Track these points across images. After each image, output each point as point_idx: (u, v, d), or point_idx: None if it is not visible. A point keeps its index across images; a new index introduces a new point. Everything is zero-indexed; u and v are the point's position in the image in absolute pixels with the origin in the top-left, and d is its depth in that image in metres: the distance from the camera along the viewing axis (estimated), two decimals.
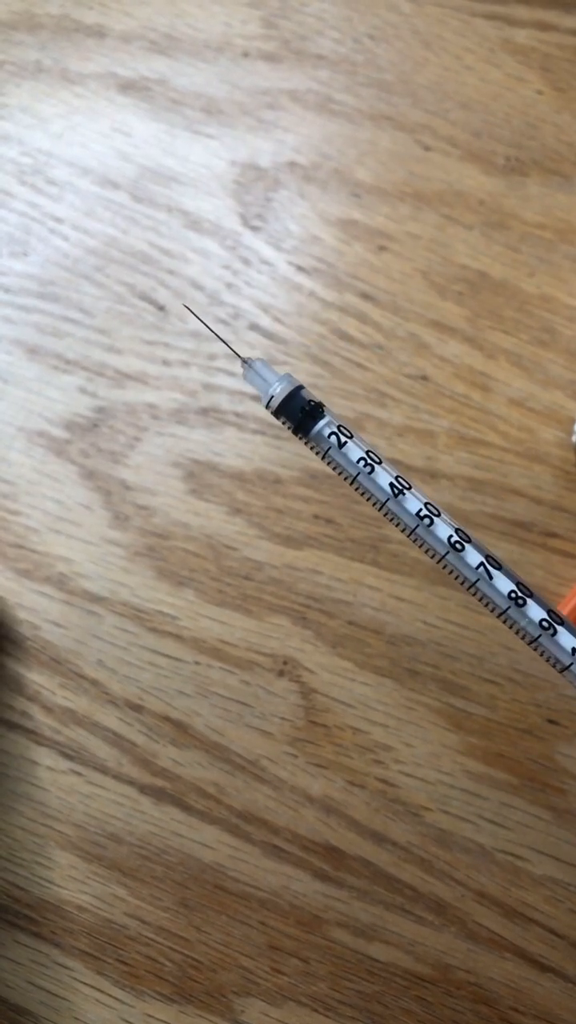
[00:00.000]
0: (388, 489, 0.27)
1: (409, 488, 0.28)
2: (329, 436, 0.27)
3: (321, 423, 0.27)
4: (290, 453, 0.38)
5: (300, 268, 0.40)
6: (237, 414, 0.39)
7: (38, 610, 0.37)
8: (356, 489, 0.27)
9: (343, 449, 0.27)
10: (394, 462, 0.38)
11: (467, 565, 0.27)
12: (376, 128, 0.42)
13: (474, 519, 0.37)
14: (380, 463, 0.27)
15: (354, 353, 0.39)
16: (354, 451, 0.27)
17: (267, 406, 0.27)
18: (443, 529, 0.28)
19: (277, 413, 0.27)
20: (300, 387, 0.27)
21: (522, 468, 0.37)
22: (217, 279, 0.41)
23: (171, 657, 0.36)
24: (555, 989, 0.33)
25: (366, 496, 0.27)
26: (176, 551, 0.37)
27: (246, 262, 0.41)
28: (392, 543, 0.37)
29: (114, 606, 0.37)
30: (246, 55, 0.43)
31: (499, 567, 0.26)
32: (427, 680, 0.35)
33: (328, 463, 0.27)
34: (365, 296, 0.40)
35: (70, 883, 0.35)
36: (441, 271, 0.40)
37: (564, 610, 0.35)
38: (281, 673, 0.36)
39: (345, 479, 0.27)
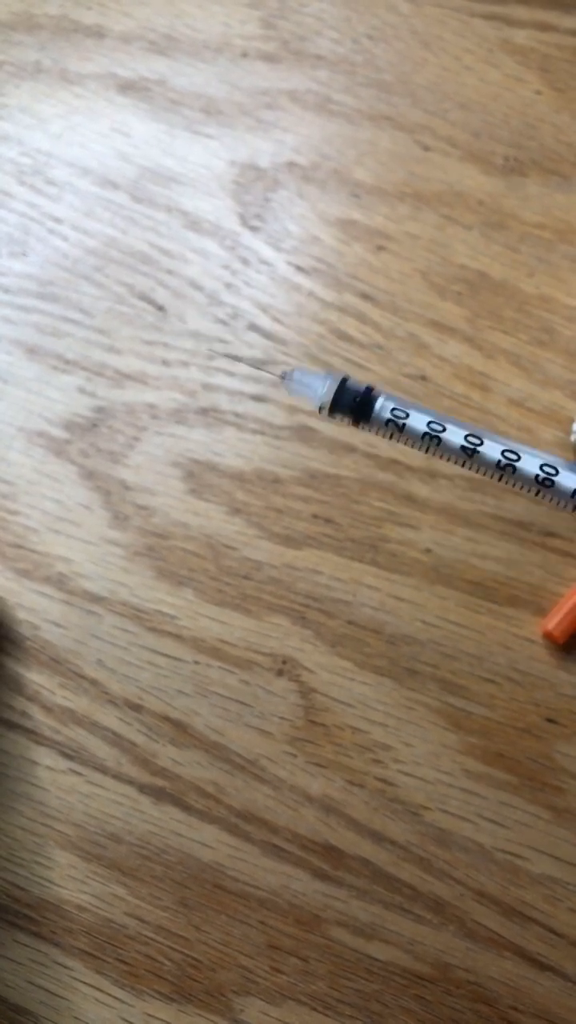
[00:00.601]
0: (461, 451, 0.28)
1: (481, 443, 0.28)
2: (388, 423, 0.28)
3: (376, 408, 0.27)
4: (290, 453, 0.38)
5: (299, 268, 0.41)
6: (236, 414, 0.39)
7: (38, 610, 0.37)
8: (434, 454, 0.28)
9: (404, 431, 0.28)
10: (393, 462, 0.38)
11: (563, 492, 0.27)
12: (375, 128, 0.42)
13: (474, 519, 0.37)
14: (444, 430, 0.28)
15: (353, 353, 0.39)
16: (417, 427, 0.28)
17: (320, 411, 0.28)
18: (531, 464, 0.28)
19: (332, 414, 0.28)
20: (344, 380, 0.27)
21: None
22: (216, 279, 0.41)
23: (170, 657, 0.36)
24: (554, 988, 0.33)
25: (445, 459, 0.28)
26: (175, 551, 0.37)
27: (245, 262, 0.41)
28: (391, 543, 0.37)
29: (114, 606, 0.37)
30: (245, 55, 0.44)
31: None
32: (426, 679, 0.36)
33: (398, 442, 0.28)
34: (364, 296, 0.40)
35: (70, 883, 0.35)
36: (440, 271, 0.40)
37: (563, 610, 0.35)
38: (280, 673, 0.36)
39: (422, 450, 0.28)
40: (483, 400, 0.38)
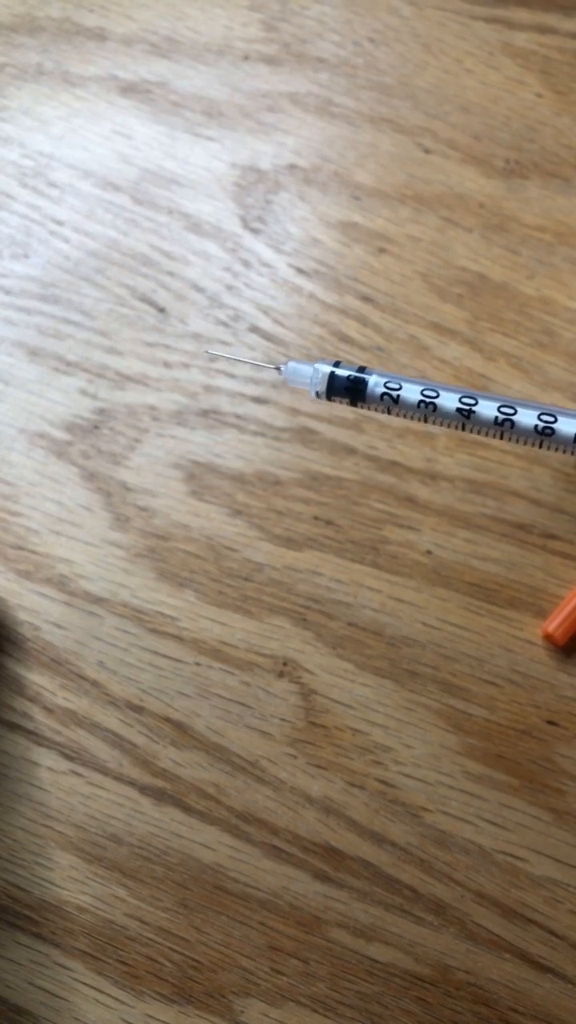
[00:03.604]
0: (458, 414, 0.29)
1: (476, 403, 0.29)
2: (383, 397, 0.29)
3: (370, 386, 0.29)
4: (290, 455, 0.38)
5: (300, 270, 0.41)
6: (237, 416, 0.39)
7: (39, 611, 0.37)
8: (431, 422, 0.29)
9: (399, 402, 0.29)
10: (393, 464, 0.38)
11: (565, 440, 0.28)
12: (376, 131, 0.42)
13: (474, 521, 0.37)
14: (438, 396, 0.29)
15: (354, 355, 0.39)
16: (411, 396, 0.29)
17: (317, 396, 0.29)
18: (527, 417, 0.29)
19: (330, 398, 0.29)
20: (335, 366, 0.28)
21: (522, 470, 0.37)
22: (217, 281, 0.41)
23: (171, 658, 0.36)
24: (554, 990, 0.33)
25: (443, 424, 0.29)
26: (176, 552, 0.37)
27: (246, 264, 0.41)
28: (392, 544, 0.37)
29: (115, 607, 0.37)
30: (247, 58, 0.44)
31: None
32: (427, 681, 0.36)
33: (395, 415, 0.28)
34: (365, 298, 0.40)
35: (70, 884, 0.35)
36: (441, 273, 0.40)
37: (563, 612, 0.35)
38: (281, 674, 0.36)
39: (417, 420, 0.28)
40: None
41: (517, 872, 0.34)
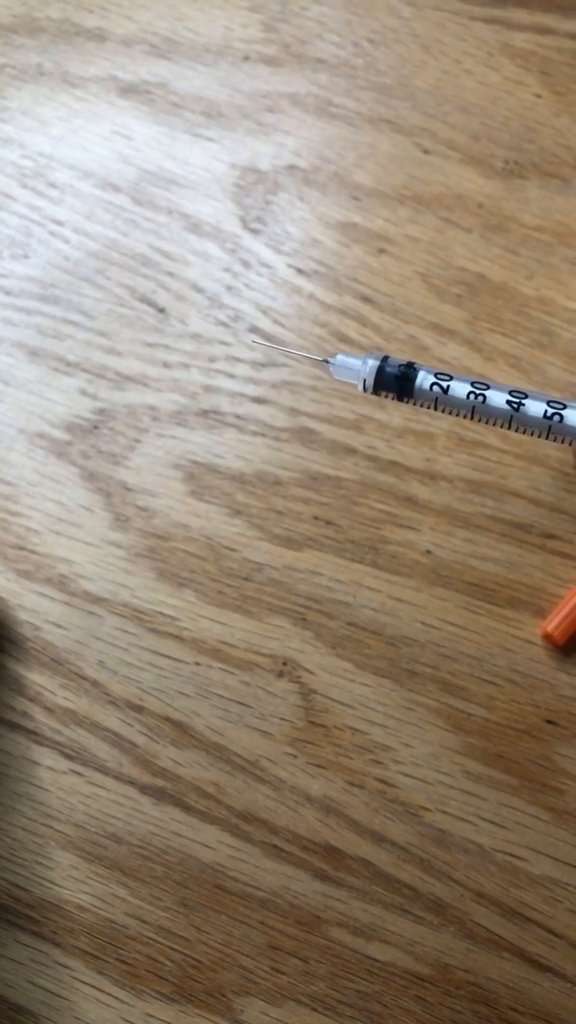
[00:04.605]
0: (507, 407, 0.29)
1: (526, 396, 0.29)
2: (432, 388, 0.29)
3: (419, 380, 0.29)
4: (290, 455, 0.38)
5: (300, 271, 0.41)
6: (237, 416, 0.39)
7: (39, 611, 0.37)
8: (478, 420, 0.29)
9: (448, 393, 0.29)
10: (393, 464, 0.38)
11: None
12: (375, 131, 0.42)
13: (473, 520, 0.37)
14: (488, 388, 0.29)
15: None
16: (460, 389, 0.29)
17: (364, 391, 0.29)
18: (574, 415, 0.29)
19: (376, 392, 0.29)
20: (384, 360, 0.29)
21: (521, 470, 0.37)
22: (217, 281, 0.41)
23: (171, 658, 0.37)
24: (554, 989, 0.33)
25: (490, 422, 0.29)
26: (176, 552, 0.38)
27: (246, 264, 0.41)
28: (391, 544, 0.37)
29: (115, 607, 0.37)
30: (246, 59, 0.44)
31: None
32: (426, 681, 0.36)
33: (443, 411, 0.29)
34: (365, 299, 0.40)
35: (70, 883, 0.35)
36: (440, 274, 0.40)
37: (562, 612, 0.35)
38: (281, 674, 0.36)
39: (464, 416, 0.28)
40: None
41: (516, 871, 0.34)
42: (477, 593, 0.36)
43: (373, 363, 0.30)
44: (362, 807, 0.35)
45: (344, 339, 0.40)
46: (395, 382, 0.29)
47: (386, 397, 0.30)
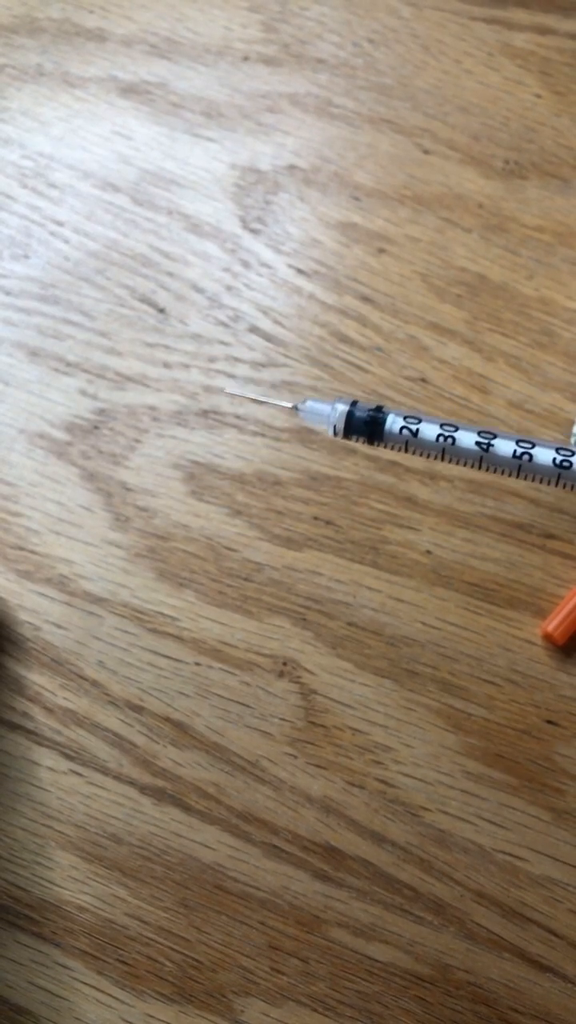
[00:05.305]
0: (476, 448, 0.29)
1: (495, 437, 0.29)
2: (401, 431, 0.29)
3: (388, 424, 0.29)
4: (290, 455, 0.38)
5: (300, 271, 0.41)
6: (237, 416, 0.39)
7: (39, 611, 0.37)
8: (448, 460, 0.29)
9: (418, 436, 0.29)
10: (393, 464, 0.38)
11: None
12: (375, 131, 0.42)
13: (473, 520, 0.37)
14: (457, 429, 0.29)
15: (354, 355, 0.39)
16: (430, 431, 0.29)
17: (335, 435, 0.29)
18: (544, 454, 0.29)
19: (347, 437, 0.29)
20: (353, 405, 0.29)
21: None
22: (217, 282, 0.41)
23: (171, 658, 0.36)
24: (554, 989, 0.33)
25: (459, 463, 0.29)
26: (176, 552, 0.38)
27: (246, 265, 0.41)
28: (391, 544, 0.37)
29: (115, 607, 0.37)
30: (246, 59, 0.44)
31: None
32: (426, 681, 0.36)
33: (412, 453, 0.29)
34: (365, 299, 0.40)
35: (70, 883, 0.35)
36: (440, 274, 0.40)
37: (562, 612, 0.35)
38: (281, 674, 0.36)
39: (434, 458, 0.29)
40: (483, 402, 0.38)
41: (516, 871, 0.34)
42: (477, 593, 0.36)
43: (342, 408, 0.30)
44: (362, 807, 0.35)
45: (344, 339, 0.40)
46: (365, 427, 0.29)
47: (356, 441, 0.30)
